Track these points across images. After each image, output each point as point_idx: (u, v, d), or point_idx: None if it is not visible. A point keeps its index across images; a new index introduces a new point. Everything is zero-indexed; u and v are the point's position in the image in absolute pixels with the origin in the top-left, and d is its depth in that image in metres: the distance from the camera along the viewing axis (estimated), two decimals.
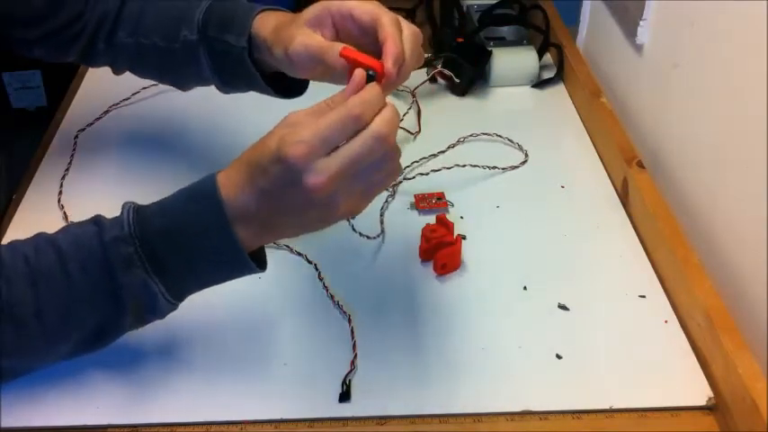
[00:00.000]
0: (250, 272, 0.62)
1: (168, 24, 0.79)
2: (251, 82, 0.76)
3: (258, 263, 0.62)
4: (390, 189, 0.90)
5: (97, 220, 0.62)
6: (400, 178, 0.92)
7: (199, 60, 0.77)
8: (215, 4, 0.77)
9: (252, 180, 0.58)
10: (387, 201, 0.88)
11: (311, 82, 0.77)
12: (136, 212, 0.61)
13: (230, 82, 0.79)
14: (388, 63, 0.60)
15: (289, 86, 0.77)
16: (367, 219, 0.84)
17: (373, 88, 0.57)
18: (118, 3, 0.81)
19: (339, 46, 0.64)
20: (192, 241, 0.60)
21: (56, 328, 0.62)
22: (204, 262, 0.61)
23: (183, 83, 0.85)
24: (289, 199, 0.57)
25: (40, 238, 0.63)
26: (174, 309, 0.64)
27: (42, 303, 0.60)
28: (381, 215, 0.86)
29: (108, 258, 0.60)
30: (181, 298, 0.64)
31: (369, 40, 0.64)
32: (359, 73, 0.58)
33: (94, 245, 0.60)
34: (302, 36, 0.66)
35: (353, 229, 0.84)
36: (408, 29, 0.64)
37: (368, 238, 0.83)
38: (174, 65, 0.80)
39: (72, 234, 0.62)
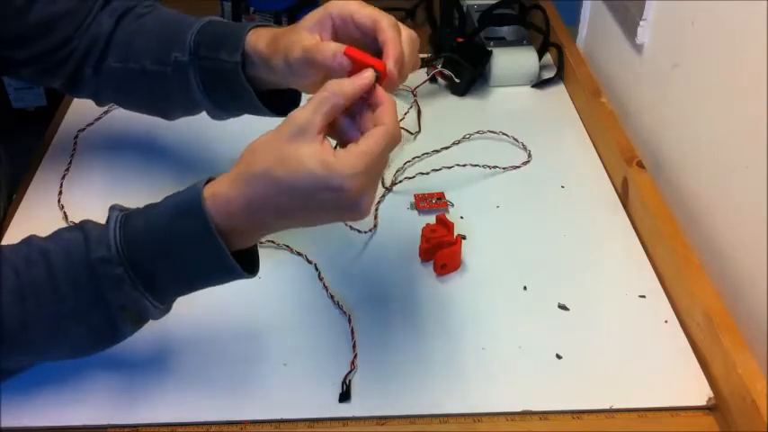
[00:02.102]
0: (242, 278, 0.62)
1: (159, 47, 0.77)
2: (243, 101, 0.74)
3: (252, 263, 0.62)
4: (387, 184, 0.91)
5: (85, 229, 0.61)
6: (401, 177, 0.92)
7: (189, 82, 0.75)
8: (207, 25, 0.76)
9: (268, 197, 0.58)
10: (384, 195, 0.89)
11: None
12: (122, 228, 0.60)
13: (222, 102, 0.77)
14: (390, 64, 0.61)
15: (282, 104, 0.75)
16: None
17: (391, 97, 0.59)
18: (110, 28, 0.80)
19: (332, 45, 0.64)
20: (182, 257, 0.60)
21: (43, 339, 0.62)
22: (194, 274, 0.62)
23: (169, 110, 0.83)
24: (317, 211, 0.59)
25: (31, 247, 0.62)
26: (167, 312, 0.64)
27: (30, 316, 0.61)
28: (376, 209, 0.87)
29: (96, 278, 0.60)
30: (171, 303, 0.64)
31: (368, 42, 0.65)
32: (370, 74, 0.60)
33: (82, 261, 0.60)
34: (301, 41, 0.66)
35: (347, 226, 0.84)
36: (406, 32, 0.65)
37: (360, 232, 0.84)
38: (162, 89, 0.78)
39: (62, 245, 0.61)
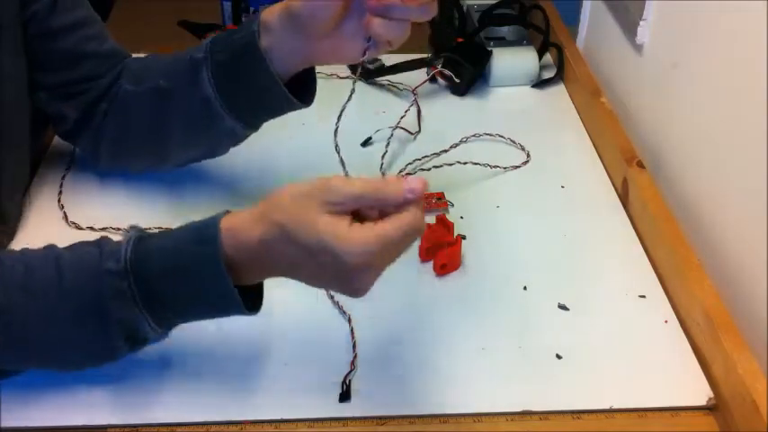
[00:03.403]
0: (242, 313, 0.62)
1: (174, 64, 0.79)
2: (257, 84, 0.73)
3: (256, 299, 0.63)
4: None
5: (101, 243, 0.63)
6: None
7: (200, 79, 0.75)
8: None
9: (278, 242, 0.58)
10: None
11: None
12: (135, 245, 0.61)
13: (232, 94, 0.76)
14: None
15: (298, 88, 0.75)
16: None
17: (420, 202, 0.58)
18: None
19: None
20: (186, 279, 0.61)
21: (40, 340, 0.63)
22: (195, 299, 0.62)
23: (171, 141, 0.82)
24: (318, 272, 0.59)
25: (50, 251, 0.64)
26: (165, 338, 0.65)
27: (30, 315, 0.62)
28: None
29: (101, 287, 0.61)
30: (169, 329, 0.65)
31: None
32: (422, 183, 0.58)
33: (92, 269, 0.61)
34: None
35: None
36: None
37: None
38: (169, 106, 0.79)
39: (77, 254, 0.63)
